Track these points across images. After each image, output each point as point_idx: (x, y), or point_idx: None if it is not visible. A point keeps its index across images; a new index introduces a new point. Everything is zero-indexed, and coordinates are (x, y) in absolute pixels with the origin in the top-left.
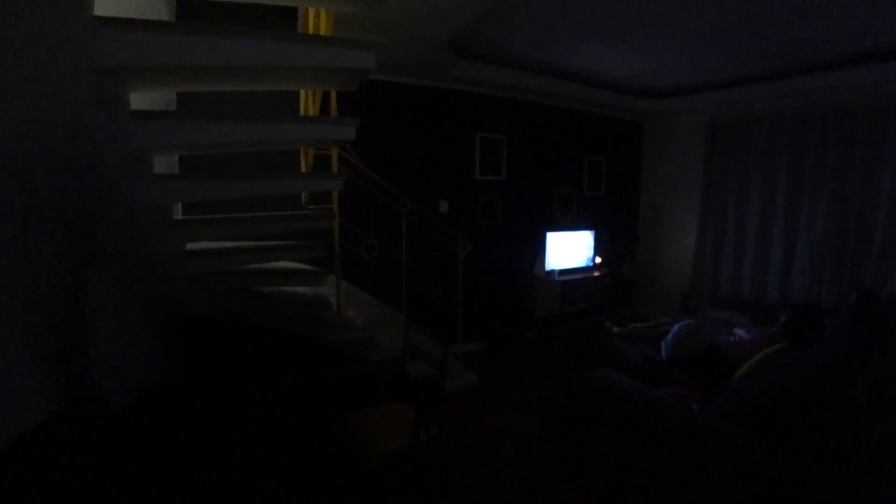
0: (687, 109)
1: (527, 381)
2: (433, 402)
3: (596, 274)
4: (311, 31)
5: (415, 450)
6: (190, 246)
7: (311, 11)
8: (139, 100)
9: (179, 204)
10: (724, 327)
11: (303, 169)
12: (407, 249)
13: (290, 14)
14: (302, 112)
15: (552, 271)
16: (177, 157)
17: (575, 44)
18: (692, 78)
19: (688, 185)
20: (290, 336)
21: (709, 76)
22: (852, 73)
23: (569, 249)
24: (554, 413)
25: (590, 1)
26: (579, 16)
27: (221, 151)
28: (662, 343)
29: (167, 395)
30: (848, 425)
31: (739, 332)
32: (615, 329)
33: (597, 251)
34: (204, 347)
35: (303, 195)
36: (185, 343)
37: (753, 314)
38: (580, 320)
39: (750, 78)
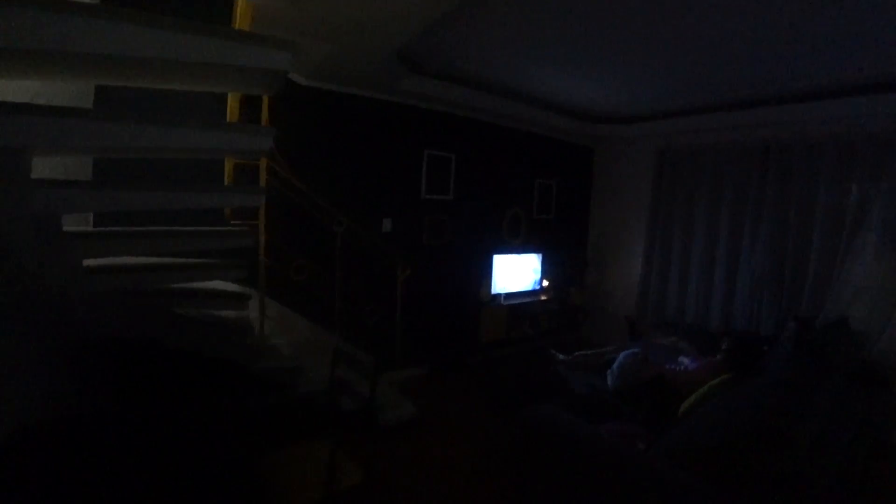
0: (637, 137)
1: (471, 410)
2: (362, 438)
3: (543, 298)
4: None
5: (331, 500)
6: (90, 262)
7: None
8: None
9: (91, 215)
10: (669, 354)
11: (227, 181)
12: (341, 271)
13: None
14: (228, 119)
15: (498, 295)
16: (90, 161)
17: (524, 65)
18: (643, 106)
19: (636, 212)
20: (209, 361)
21: (658, 105)
22: (787, 109)
23: (516, 273)
24: (498, 448)
25: (540, 25)
26: (530, 39)
27: (117, 156)
28: (609, 372)
29: (49, 432)
30: (797, 469)
31: (685, 360)
32: (560, 356)
33: (545, 275)
34: (107, 374)
35: (226, 210)
36: (84, 370)
37: (697, 341)
38: (527, 346)
39: (698, 109)
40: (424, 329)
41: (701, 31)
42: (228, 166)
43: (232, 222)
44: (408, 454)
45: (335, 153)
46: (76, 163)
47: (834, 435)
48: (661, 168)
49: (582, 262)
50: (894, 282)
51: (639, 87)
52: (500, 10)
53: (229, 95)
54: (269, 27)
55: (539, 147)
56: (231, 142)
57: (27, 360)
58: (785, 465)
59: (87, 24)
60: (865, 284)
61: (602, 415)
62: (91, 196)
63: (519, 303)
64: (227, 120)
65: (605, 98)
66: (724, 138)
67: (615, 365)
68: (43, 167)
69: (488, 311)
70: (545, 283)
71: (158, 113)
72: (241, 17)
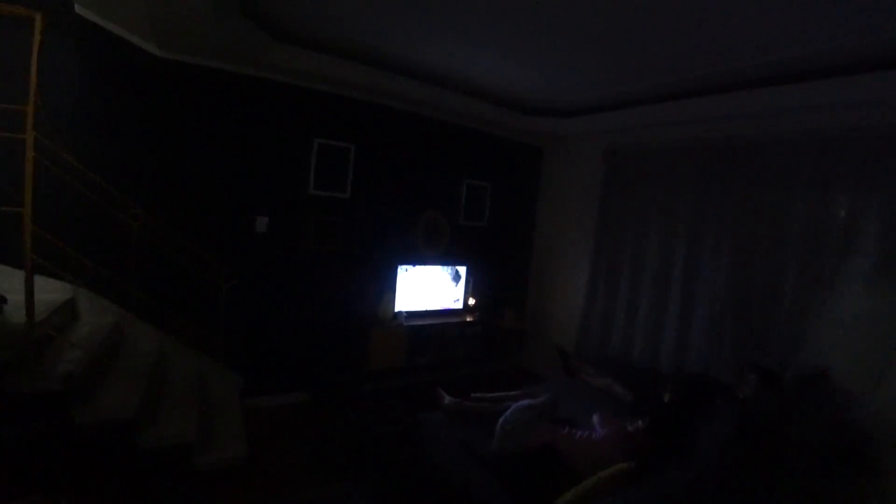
0: (584, 135)
1: (309, 459)
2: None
3: (469, 319)
4: None
5: None
6: None
7: None
8: None
9: None
10: (598, 402)
11: None
12: (136, 273)
13: None
14: None
15: (399, 313)
16: None
17: (420, 36)
18: (583, 93)
19: (584, 226)
20: None
21: (602, 93)
22: (755, 97)
23: (431, 288)
24: None
25: None
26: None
27: None
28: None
29: None
30: None
31: (596, 420)
32: (446, 399)
33: (471, 292)
34: None
35: None
36: None
37: (635, 385)
38: (435, 376)
39: (650, 97)
40: (309, 349)
41: None
42: None
43: None
44: None
45: (197, 136)
46: None
47: None
48: (609, 173)
49: (523, 279)
50: (892, 319)
51: (572, 67)
52: None
53: None
54: None
55: (470, 143)
56: None
57: None
58: None
59: None
60: (854, 324)
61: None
62: None
63: (428, 324)
64: None
65: (533, 82)
66: (681, 136)
67: (500, 421)
68: None
69: (380, 333)
70: (471, 301)
71: None
72: None
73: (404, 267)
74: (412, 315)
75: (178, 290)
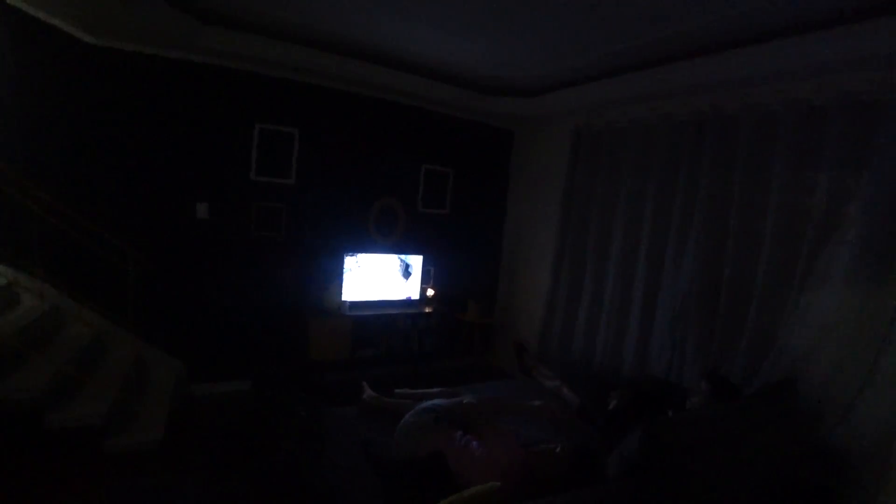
0: (558, 116)
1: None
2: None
3: (428, 310)
4: None
5: None
6: None
7: None
8: None
9: None
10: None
11: None
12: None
13: None
14: None
15: (344, 303)
16: None
17: (362, 12)
18: (549, 69)
19: (550, 214)
20: None
21: (567, 66)
22: (728, 61)
23: (384, 277)
24: None
25: None
26: None
27: None
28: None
29: None
30: None
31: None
32: (366, 394)
33: (430, 282)
34: None
35: None
36: None
37: (586, 389)
38: (388, 368)
39: (617, 68)
40: (251, 338)
41: None
42: None
43: None
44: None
45: (134, 122)
46: None
47: None
48: (575, 156)
49: (491, 271)
50: (875, 320)
51: (523, 38)
52: None
53: None
54: None
55: (430, 127)
56: None
57: None
58: None
59: None
60: (832, 325)
61: None
62: None
63: (374, 314)
64: None
65: (484, 57)
66: (650, 114)
67: (399, 424)
68: None
69: (320, 323)
70: (429, 292)
71: None
72: None
73: (352, 256)
74: (360, 305)
75: (111, 277)
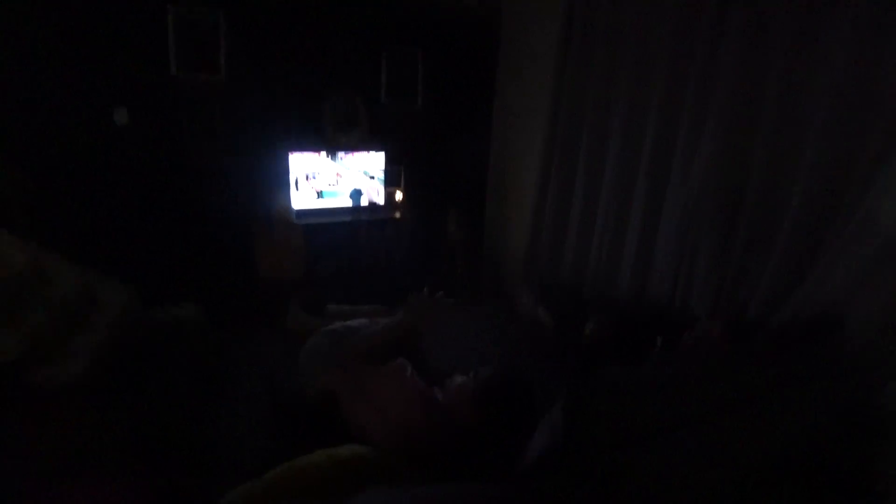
0: None
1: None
2: None
3: (396, 216)
4: None
5: None
6: None
7: None
8: None
9: None
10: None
11: None
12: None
13: None
14: None
15: (294, 212)
16: None
17: None
18: None
19: (540, 109)
20: None
21: None
22: None
23: (342, 182)
24: None
25: None
26: None
27: None
28: None
29: None
30: None
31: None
32: (290, 315)
33: (401, 187)
34: None
35: None
36: None
37: (566, 312)
38: (351, 287)
39: None
40: (197, 257)
41: None
42: None
43: None
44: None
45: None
46: None
47: None
48: (568, 25)
49: (476, 176)
50: None
51: None
52: None
53: None
54: None
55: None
56: None
57: None
58: None
59: None
60: None
61: None
62: None
63: (331, 223)
64: None
65: None
66: None
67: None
68: None
69: (268, 237)
70: (398, 195)
71: None
72: None
73: (300, 156)
74: (313, 213)
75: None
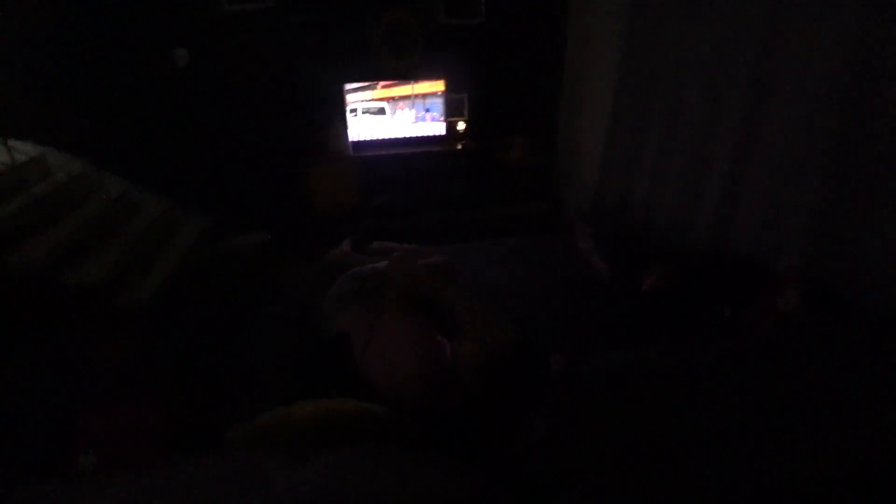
0: None
1: None
2: None
3: (459, 147)
4: None
5: None
6: None
7: None
8: None
9: None
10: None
11: None
12: None
13: None
14: None
15: (349, 144)
16: None
17: None
18: None
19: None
20: None
21: None
22: None
23: (399, 112)
24: None
25: None
26: None
27: None
28: None
29: None
30: None
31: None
32: (333, 252)
33: (460, 113)
34: None
35: None
36: None
37: (625, 259)
38: (408, 219)
39: None
40: (259, 189)
41: None
42: None
43: None
44: None
45: None
46: None
47: None
48: None
49: (547, 99)
50: None
51: None
52: None
53: None
54: None
55: None
56: None
57: None
58: None
59: None
60: None
61: None
62: None
63: (386, 155)
64: None
65: None
66: None
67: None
68: None
69: (321, 169)
70: (460, 125)
71: None
72: None
73: (355, 86)
74: (369, 145)
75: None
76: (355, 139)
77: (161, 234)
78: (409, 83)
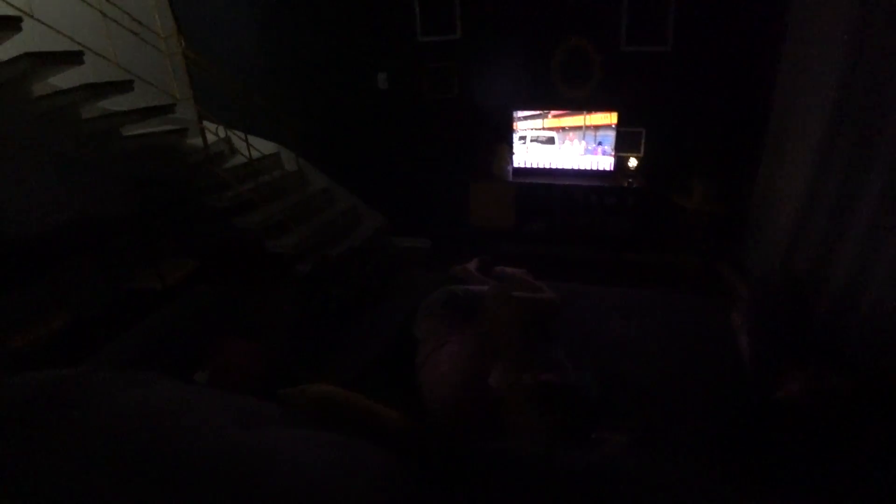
0: None
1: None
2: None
3: (626, 184)
4: None
5: None
6: None
7: None
8: None
9: None
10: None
11: None
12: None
13: None
14: None
15: (510, 168)
16: None
17: None
18: None
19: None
20: None
21: None
22: None
23: (567, 142)
24: None
25: None
26: None
27: None
28: None
29: None
30: None
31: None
32: (458, 266)
33: (639, 149)
34: None
35: None
36: None
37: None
38: (562, 247)
39: None
40: (427, 199)
41: None
42: None
43: None
44: None
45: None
46: None
47: None
48: None
49: (744, 141)
50: None
51: None
52: None
53: None
54: None
55: None
56: None
57: None
58: None
59: None
60: None
61: None
62: None
63: (543, 183)
64: None
65: None
66: None
67: None
68: None
69: (480, 188)
70: (631, 162)
71: None
72: None
73: (525, 114)
74: (529, 172)
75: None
76: (519, 165)
77: (350, 221)
78: (581, 114)
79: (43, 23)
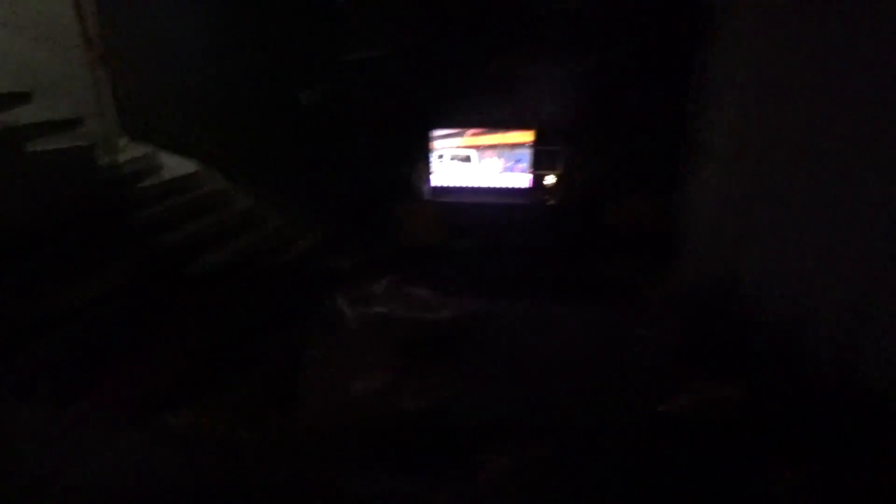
0: None
1: None
2: None
3: (544, 201)
4: None
5: None
6: None
7: None
8: None
9: None
10: None
11: None
12: None
13: None
14: None
15: (428, 188)
16: None
17: None
18: None
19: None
20: None
21: None
22: None
23: (488, 160)
24: None
25: None
26: None
27: None
28: None
29: None
30: None
31: None
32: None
33: (548, 164)
34: None
35: None
36: None
37: None
38: (492, 264)
39: None
40: (356, 219)
41: None
42: None
43: None
44: None
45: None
46: None
47: None
48: None
49: (663, 154)
50: None
51: None
52: None
53: None
54: None
55: None
56: None
57: None
58: None
59: None
60: None
61: None
62: None
63: (467, 203)
64: None
65: None
66: None
67: None
68: None
69: (406, 209)
70: (548, 179)
71: None
72: None
73: (442, 133)
74: (450, 191)
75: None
76: (438, 184)
77: (281, 239)
78: (497, 132)
79: None
